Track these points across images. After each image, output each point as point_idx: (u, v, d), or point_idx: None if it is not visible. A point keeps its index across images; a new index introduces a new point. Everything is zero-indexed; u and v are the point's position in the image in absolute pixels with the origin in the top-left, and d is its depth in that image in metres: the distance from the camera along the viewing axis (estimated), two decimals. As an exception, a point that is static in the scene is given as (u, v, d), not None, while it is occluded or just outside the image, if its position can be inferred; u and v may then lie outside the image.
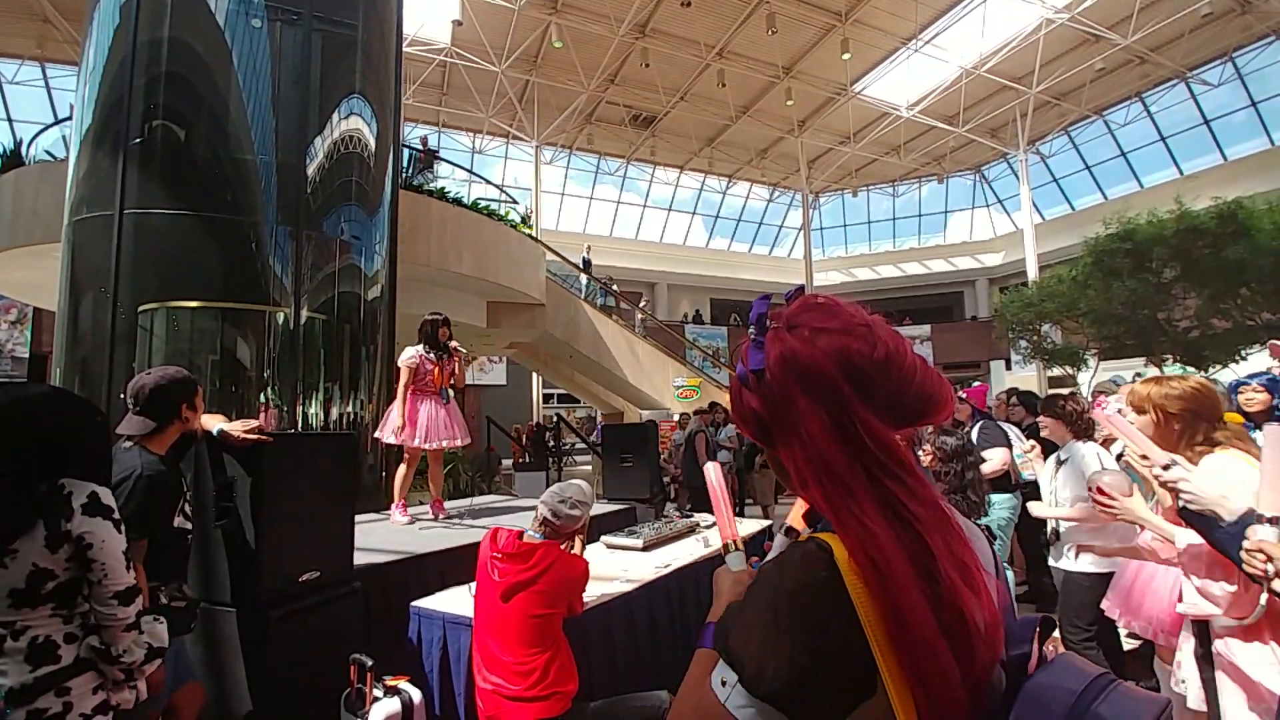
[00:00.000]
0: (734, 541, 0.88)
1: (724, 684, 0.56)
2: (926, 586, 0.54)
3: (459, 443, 4.07)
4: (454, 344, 4.05)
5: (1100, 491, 1.75)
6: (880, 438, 0.57)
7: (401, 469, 4.08)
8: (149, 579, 1.81)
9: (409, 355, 3.95)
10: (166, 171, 4.18)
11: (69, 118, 5.05)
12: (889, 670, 0.52)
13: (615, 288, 15.80)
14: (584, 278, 14.27)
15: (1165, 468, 1.41)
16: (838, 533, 0.57)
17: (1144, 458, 1.50)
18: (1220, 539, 1.30)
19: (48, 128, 8.64)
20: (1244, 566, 1.22)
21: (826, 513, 0.59)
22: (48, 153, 7.92)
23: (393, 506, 3.99)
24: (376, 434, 4.09)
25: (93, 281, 4.17)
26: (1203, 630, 1.68)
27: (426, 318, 4.07)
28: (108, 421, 1.58)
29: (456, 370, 4.10)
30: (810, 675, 0.53)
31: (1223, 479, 1.49)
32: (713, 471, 1.00)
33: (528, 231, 10.48)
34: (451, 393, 4.10)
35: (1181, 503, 1.38)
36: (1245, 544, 1.22)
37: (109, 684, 1.48)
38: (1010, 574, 3.38)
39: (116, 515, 1.45)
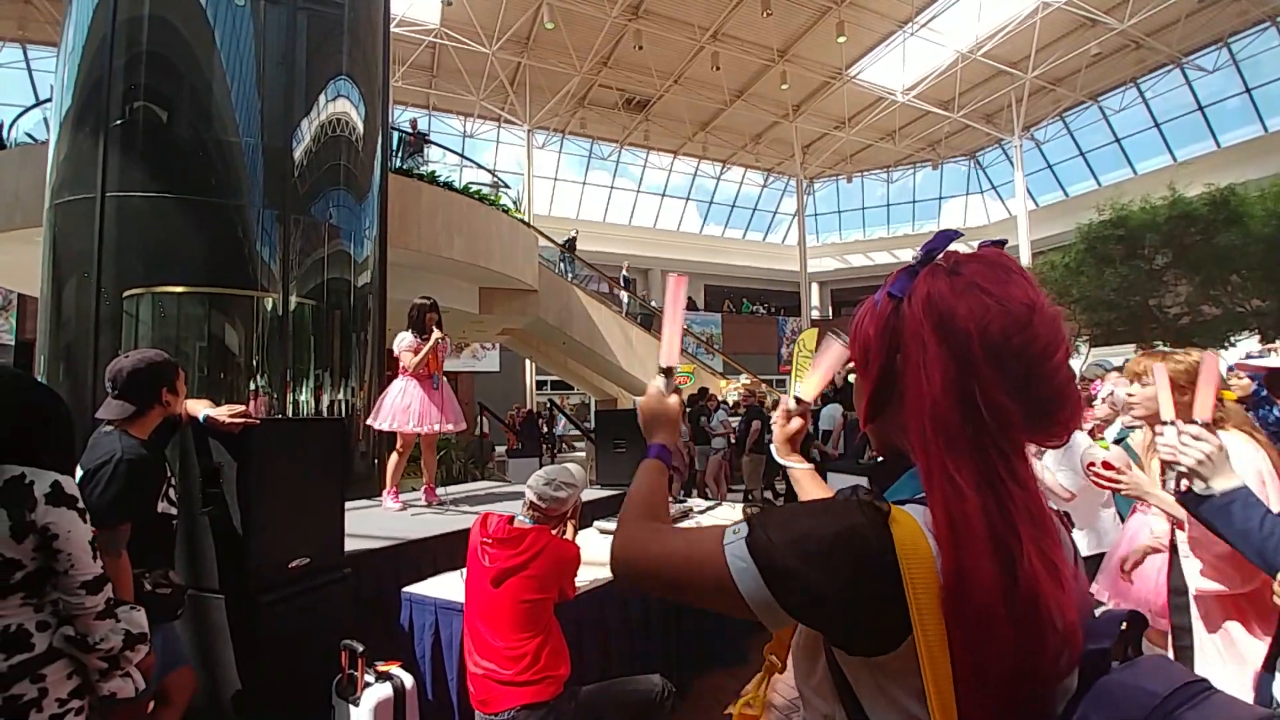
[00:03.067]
0: (673, 366, 0.96)
1: (735, 533, 0.59)
2: (1001, 562, 0.52)
3: (452, 428, 4.06)
4: (436, 333, 3.98)
5: (1106, 465, 1.75)
6: (1000, 412, 0.55)
7: (394, 456, 4.06)
8: (133, 565, 1.79)
9: (407, 342, 3.95)
10: (149, 153, 4.10)
11: (50, 99, 4.94)
12: (927, 639, 0.52)
13: (653, 304, 16.27)
14: (624, 295, 14.81)
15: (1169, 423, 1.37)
16: (923, 485, 0.57)
17: (1167, 423, 1.45)
18: (1209, 517, 1.29)
19: (28, 110, 8.47)
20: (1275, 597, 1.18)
21: (919, 461, 0.57)
22: (28, 135, 7.76)
23: (385, 493, 3.98)
24: (369, 420, 4.06)
25: (75, 266, 4.10)
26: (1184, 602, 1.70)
27: (415, 302, 4.05)
28: (67, 408, 1.56)
29: (439, 360, 4.09)
30: (809, 585, 0.54)
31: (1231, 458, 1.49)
32: (672, 281, 1.04)
33: (520, 216, 10.40)
34: (444, 379, 4.10)
35: (1166, 459, 1.36)
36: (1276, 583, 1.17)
37: (89, 672, 1.48)
38: None
39: (81, 504, 1.44)
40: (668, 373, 0.95)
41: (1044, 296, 0.58)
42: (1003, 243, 0.64)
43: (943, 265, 0.60)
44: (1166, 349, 1.92)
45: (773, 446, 1.17)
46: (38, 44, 14.49)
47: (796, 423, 1.14)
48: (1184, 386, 1.67)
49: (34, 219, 4.89)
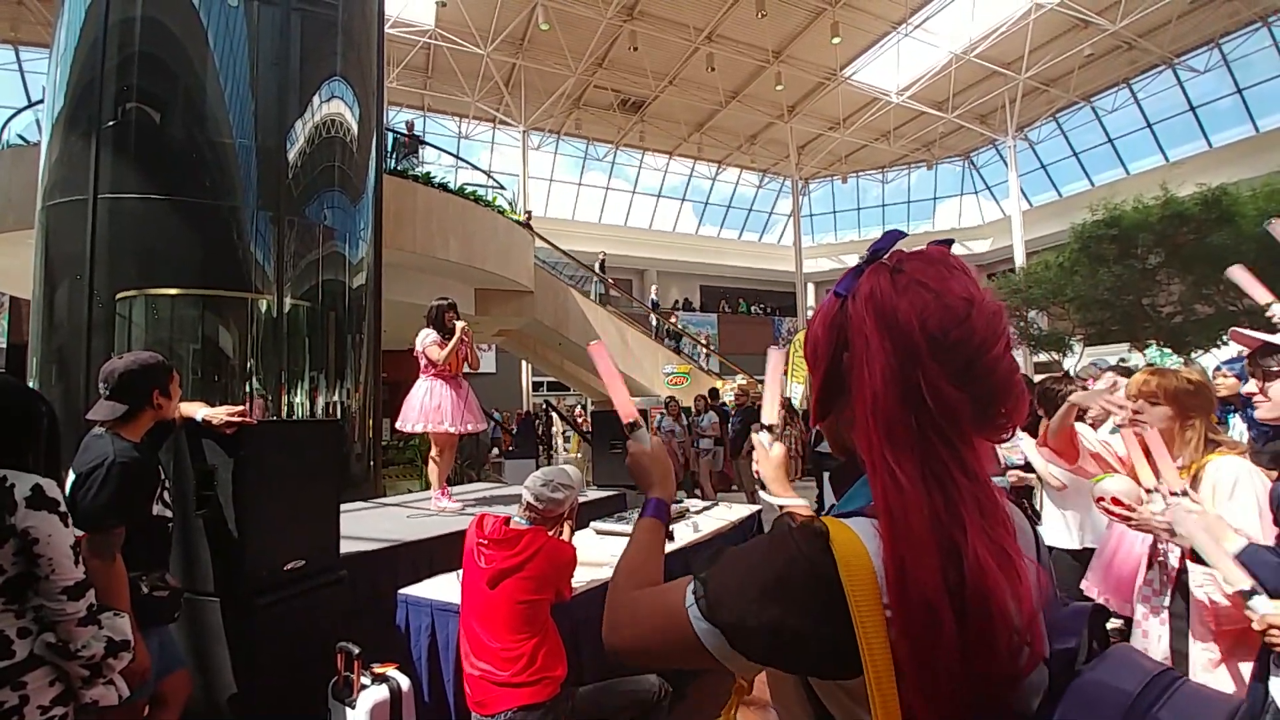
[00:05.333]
0: (637, 419, 0.95)
1: (693, 593, 0.60)
2: (944, 554, 0.52)
3: (475, 428, 4.05)
4: (460, 324, 3.98)
5: (1115, 501, 1.72)
6: (944, 400, 0.55)
7: (434, 451, 4.06)
8: (128, 568, 1.78)
9: (432, 339, 3.92)
10: (141, 155, 4.08)
11: (42, 101, 4.92)
12: (872, 656, 0.51)
13: (677, 323, 16.69)
14: (654, 318, 15.40)
15: (1172, 494, 1.38)
16: (868, 479, 0.57)
17: (1149, 490, 1.47)
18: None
19: (20, 111, 8.43)
20: (1265, 639, 1.21)
21: (864, 455, 0.58)
22: (21, 137, 7.73)
23: (436, 494, 3.96)
24: (398, 424, 4.03)
25: (68, 268, 4.08)
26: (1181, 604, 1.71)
27: (433, 303, 4.05)
28: (53, 410, 1.54)
29: (470, 355, 4.06)
30: (766, 627, 0.54)
31: (1237, 495, 1.52)
32: (592, 350, 1.02)
33: (515, 218, 10.40)
34: (464, 380, 4.10)
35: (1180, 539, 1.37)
36: (1254, 624, 1.20)
37: (71, 680, 1.45)
38: None
39: (63, 508, 1.41)
40: (633, 426, 0.94)
41: (984, 292, 0.59)
42: (950, 242, 0.65)
43: (886, 264, 0.61)
44: (1169, 367, 1.92)
45: (763, 494, 1.10)
46: (30, 45, 14.40)
47: (778, 450, 1.09)
48: (1194, 407, 1.69)
49: (26, 221, 4.87)
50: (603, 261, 15.50)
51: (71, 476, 1.83)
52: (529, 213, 13.61)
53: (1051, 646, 0.56)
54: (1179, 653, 1.66)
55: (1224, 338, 11.75)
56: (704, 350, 15.70)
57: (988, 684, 0.51)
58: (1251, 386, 1.65)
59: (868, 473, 0.57)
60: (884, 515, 0.54)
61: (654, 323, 15.22)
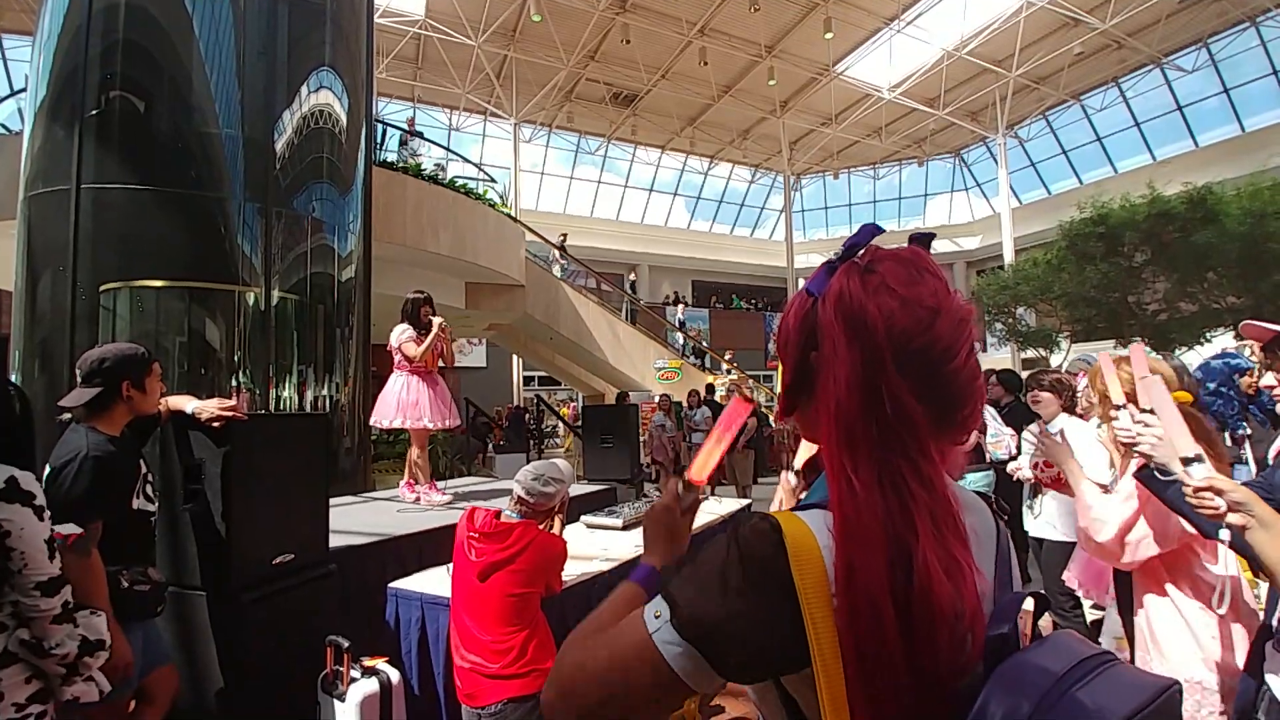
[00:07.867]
0: (701, 486, 0.86)
1: (657, 617, 0.57)
2: (893, 558, 0.52)
3: (451, 424, 4.02)
4: (437, 320, 3.93)
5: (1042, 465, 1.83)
6: (904, 410, 0.55)
7: (415, 451, 4.02)
8: (109, 562, 1.77)
9: (409, 334, 3.87)
10: (126, 145, 4.02)
11: (25, 89, 4.83)
12: (820, 646, 0.52)
13: (689, 330, 16.91)
14: (680, 337, 15.63)
15: (1186, 460, 1.36)
16: (826, 477, 0.58)
17: (1117, 407, 1.53)
18: (1172, 497, 1.34)
19: (3, 100, 8.32)
20: (1200, 511, 1.24)
21: (824, 458, 0.58)
22: (3, 126, 7.62)
23: (420, 488, 3.93)
24: (372, 419, 3.99)
25: (50, 260, 4.02)
26: (1125, 583, 1.77)
27: (408, 296, 3.99)
28: (25, 397, 1.50)
29: (445, 350, 4.02)
30: (736, 630, 0.53)
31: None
32: (734, 403, 0.93)
33: (507, 211, 10.36)
34: (439, 375, 4.06)
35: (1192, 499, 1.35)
36: (1186, 489, 1.25)
37: (50, 678, 1.44)
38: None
39: (39, 501, 1.39)
40: (689, 486, 0.84)
41: (952, 298, 0.59)
42: (930, 237, 0.64)
43: (859, 263, 0.60)
44: (1122, 354, 1.97)
45: None
46: (13, 33, 14.14)
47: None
48: (1133, 397, 1.75)
49: (8, 211, 4.79)
50: (634, 282, 15.52)
51: (46, 470, 1.80)
52: (564, 235, 14.13)
53: (988, 633, 0.56)
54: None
55: (1207, 335, 11.92)
56: (726, 367, 15.81)
57: (930, 677, 0.52)
58: (1270, 379, 1.65)
59: (827, 475, 0.58)
60: (838, 516, 0.55)
61: (680, 341, 15.37)
